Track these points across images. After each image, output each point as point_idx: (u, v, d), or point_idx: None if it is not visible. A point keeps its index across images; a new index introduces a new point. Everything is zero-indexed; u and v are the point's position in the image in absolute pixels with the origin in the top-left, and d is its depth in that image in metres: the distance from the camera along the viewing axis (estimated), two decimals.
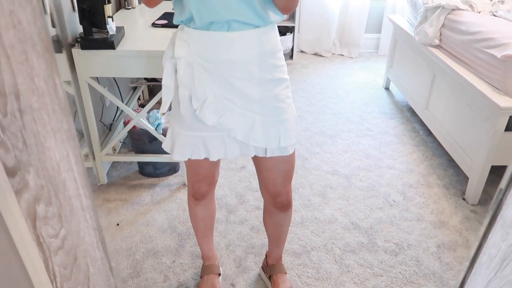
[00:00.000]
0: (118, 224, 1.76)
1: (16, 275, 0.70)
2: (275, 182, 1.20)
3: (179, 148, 1.11)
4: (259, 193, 1.40)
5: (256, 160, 1.19)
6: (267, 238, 1.45)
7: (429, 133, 2.51)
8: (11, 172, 0.43)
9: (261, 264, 1.57)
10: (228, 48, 0.99)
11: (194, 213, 1.35)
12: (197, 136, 1.09)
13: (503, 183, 0.55)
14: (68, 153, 0.48)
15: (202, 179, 1.24)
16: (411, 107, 2.79)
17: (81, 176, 0.50)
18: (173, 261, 1.60)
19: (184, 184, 2.03)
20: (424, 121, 2.48)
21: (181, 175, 2.09)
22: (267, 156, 1.11)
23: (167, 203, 1.90)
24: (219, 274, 1.49)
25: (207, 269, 1.47)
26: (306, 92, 3.08)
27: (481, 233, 0.58)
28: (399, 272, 1.58)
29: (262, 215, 1.44)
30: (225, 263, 1.60)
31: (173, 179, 2.07)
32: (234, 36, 0.98)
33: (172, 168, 2.10)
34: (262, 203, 1.60)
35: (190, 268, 1.57)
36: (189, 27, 1.00)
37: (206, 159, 1.14)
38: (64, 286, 0.61)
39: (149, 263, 1.58)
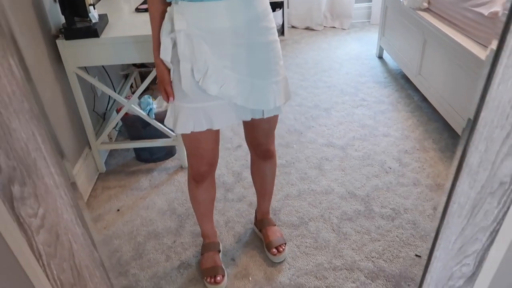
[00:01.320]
0: (118, 210, 1.79)
1: (3, 257, 0.73)
2: (259, 137, 1.32)
3: (181, 121, 1.13)
4: None
5: (245, 121, 1.26)
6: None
7: (423, 98, 2.50)
8: None
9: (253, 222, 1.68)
10: (224, 16, 1.03)
11: (194, 196, 1.38)
12: (198, 108, 1.11)
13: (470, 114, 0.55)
14: (34, 132, 0.49)
15: (202, 157, 1.25)
16: (405, 74, 2.77)
17: (50, 154, 0.51)
18: (174, 241, 1.63)
19: (182, 167, 2.05)
20: (418, 87, 2.46)
21: (177, 159, 2.12)
22: (264, 117, 1.18)
23: (166, 186, 1.93)
24: (219, 251, 1.52)
25: (208, 247, 1.50)
26: (299, 67, 3.06)
27: (448, 184, 0.59)
28: (396, 236, 1.60)
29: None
30: (225, 239, 1.63)
31: (170, 163, 2.10)
32: (229, 3, 1.01)
33: (169, 152, 2.12)
34: None
35: (191, 246, 1.60)
36: (184, 0, 1.02)
37: (206, 133, 1.17)
38: (51, 263, 0.64)
39: (150, 245, 1.62)
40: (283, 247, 1.52)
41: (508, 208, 0.60)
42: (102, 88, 1.85)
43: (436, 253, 0.67)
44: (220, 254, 1.52)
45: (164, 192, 1.89)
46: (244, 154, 2.13)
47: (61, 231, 0.59)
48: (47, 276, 0.65)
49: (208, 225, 1.50)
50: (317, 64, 3.10)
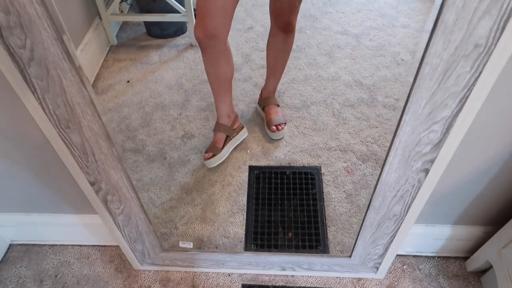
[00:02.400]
0: (128, 81, 1.86)
1: (2, 92, 0.79)
2: (284, 4, 1.27)
3: None
4: (265, 52, 1.48)
5: None
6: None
7: None
8: None
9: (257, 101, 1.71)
10: None
11: (204, 64, 1.30)
12: None
13: None
14: None
15: (213, 12, 1.13)
16: None
17: None
18: (180, 114, 1.71)
19: (192, 45, 2.05)
20: None
21: (188, 37, 2.10)
22: None
23: (174, 62, 1.95)
24: (227, 137, 1.52)
25: (217, 127, 1.51)
26: None
27: (424, 43, 0.59)
28: (395, 125, 1.63)
29: (265, 74, 1.55)
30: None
31: (180, 40, 2.09)
32: None
33: (179, 29, 2.10)
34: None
35: (195, 119, 1.69)
36: None
37: None
38: (46, 97, 0.70)
39: (157, 115, 1.71)
40: (283, 126, 1.58)
41: (480, 73, 0.61)
42: None
43: (406, 116, 0.69)
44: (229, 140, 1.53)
45: (172, 68, 1.92)
46: (255, 36, 2.09)
47: (50, 65, 0.64)
48: (43, 109, 0.71)
49: (220, 103, 1.45)
50: None
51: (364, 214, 0.98)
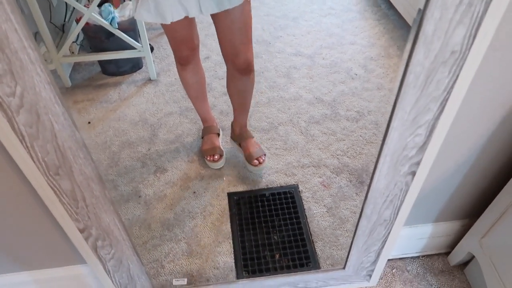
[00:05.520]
0: (89, 123, 1.80)
1: None
2: (234, 40, 1.23)
3: (157, 12, 1.10)
4: (225, 80, 1.44)
5: (216, 19, 1.20)
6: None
7: (390, 6, 2.49)
8: None
9: (229, 136, 1.70)
10: None
11: (184, 80, 1.45)
12: None
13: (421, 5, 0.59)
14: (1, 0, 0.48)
15: (181, 43, 1.30)
16: None
17: (21, 26, 0.51)
18: (149, 149, 1.68)
19: (150, 79, 2.03)
20: None
21: (145, 71, 2.08)
22: (231, 6, 1.11)
23: (135, 98, 1.93)
24: (218, 134, 1.65)
25: (207, 130, 1.63)
26: None
27: (406, 54, 0.64)
28: (360, 135, 1.71)
29: (229, 101, 1.51)
30: (197, 147, 1.69)
31: (138, 76, 2.07)
32: None
33: (136, 65, 2.08)
34: None
35: (165, 153, 1.66)
36: None
37: (183, 22, 1.17)
38: (34, 145, 0.66)
39: (125, 153, 1.66)
40: (263, 158, 1.56)
41: (457, 77, 0.67)
42: None
43: (393, 124, 0.74)
44: (220, 136, 1.66)
45: (134, 104, 1.89)
46: (212, 65, 2.12)
47: (41, 110, 0.61)
48: (31, 158, 0.68)
49: (203, 108, 1.59)
50: None
51: (356, 223, 1.01)
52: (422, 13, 0.58)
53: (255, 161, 1.54)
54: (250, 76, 1.36)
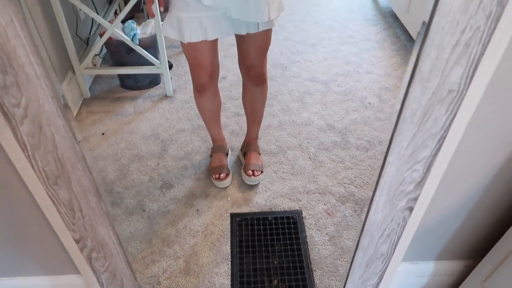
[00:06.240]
0: (103, 134, 1.84)
1: None
2: (251, 55, 1.33)
3: (179, 30, 1.17)
4: (239, 101, 1.52)
5: (240, 38, 1.29)
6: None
7: (410, 38, 2.50)
8: None
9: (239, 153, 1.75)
10: None
11: (200, 105, 1.49)
12: (194, 17, 1.14)
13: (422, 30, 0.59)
14: (12, 18, 0.51)
15: (201, 68, 1.32)
16: (394, 13, 2.74)
17: (29, 42, 0.54)
18: (157, 164, 1.70)
19: (166, 95, 2.08)
20: (405, 26, 2.46)
21: (162, 87, 2.13)
22: (259, 30, 1.21)
23: (150, 113, 1.97)
24: (227, 154, 1.68)
25: (216, 149, 1.66)
26: (287, 1, 3.00)
27: (402, 91, 0.65)
28: (368, 165, 1.69)
29: (241, 121, 1.60)
30: (206, 165, 1.70)
31: (155, 91, 2.12)
32: None
33: (153, 81, 2.13)
34: (242, 110, 1.69)
35: (173, 169, 1.68)
36: None
37: (203, 44, 1.22)
38: (36, 154, 0.69)
39: (134, 166, 1.69)
40: (258, 173, 1.60)
41: (455, 115, 0.66)
42: (85, 9, 1.81)
43: (390, 158, 0.73)
44: (229, 156, 1.69)
45: (148, 119, 1.93)
46: (228, 85, 2.15)
47: (43, 122, 0.64)
48: (32, 167, 0.70)
49: (215, 130, 1.63)
50: None
51: (352, 255, 0.99)
52: (418, 52, 0.58)
53: (250, 171, 1.60)
54: (263, 87, 1.46)
